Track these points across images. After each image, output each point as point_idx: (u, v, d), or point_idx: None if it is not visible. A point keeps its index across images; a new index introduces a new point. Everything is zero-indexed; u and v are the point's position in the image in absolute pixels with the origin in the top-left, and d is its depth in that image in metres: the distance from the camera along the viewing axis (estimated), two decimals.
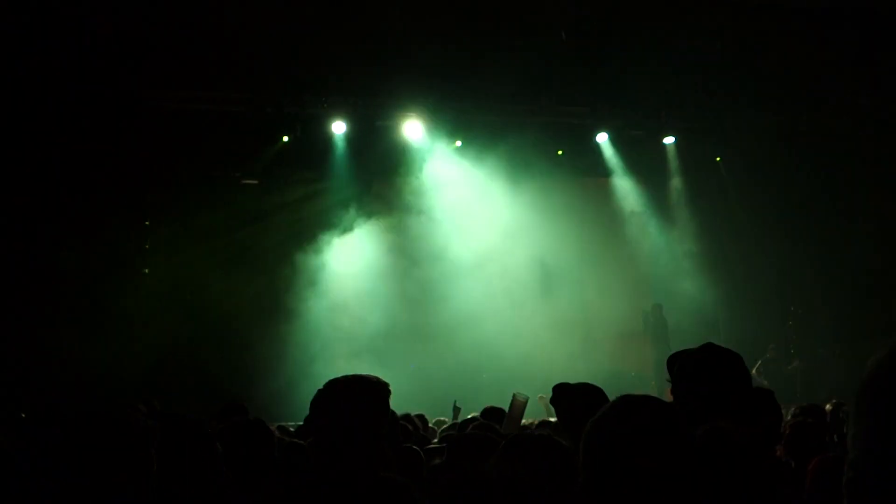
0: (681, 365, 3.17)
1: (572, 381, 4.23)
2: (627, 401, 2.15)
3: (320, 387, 3.11)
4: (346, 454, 2.91)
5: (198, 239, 15.73)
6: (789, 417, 5.43)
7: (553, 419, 13.72)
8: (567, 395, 3.99)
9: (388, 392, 3.04)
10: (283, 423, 8.33)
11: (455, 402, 9.76)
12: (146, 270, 15.32)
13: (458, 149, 16.96)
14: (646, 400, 2.15)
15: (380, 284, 17.15)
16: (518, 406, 4.54)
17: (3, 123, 13.15)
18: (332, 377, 3.19)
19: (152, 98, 14.97)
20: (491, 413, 7.42)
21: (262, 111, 15.20)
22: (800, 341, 17.09)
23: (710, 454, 2.36)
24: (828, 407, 7.21)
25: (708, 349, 3.19)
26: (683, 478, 2.02)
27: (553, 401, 4.06)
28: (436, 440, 6.46)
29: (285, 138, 16.01)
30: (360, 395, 2.99)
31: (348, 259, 16.82)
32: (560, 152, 17.55)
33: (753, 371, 16.22)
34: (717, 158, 17.59)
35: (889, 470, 1.44)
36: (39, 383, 12.47)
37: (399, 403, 4.03)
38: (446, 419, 8.42)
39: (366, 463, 2.94)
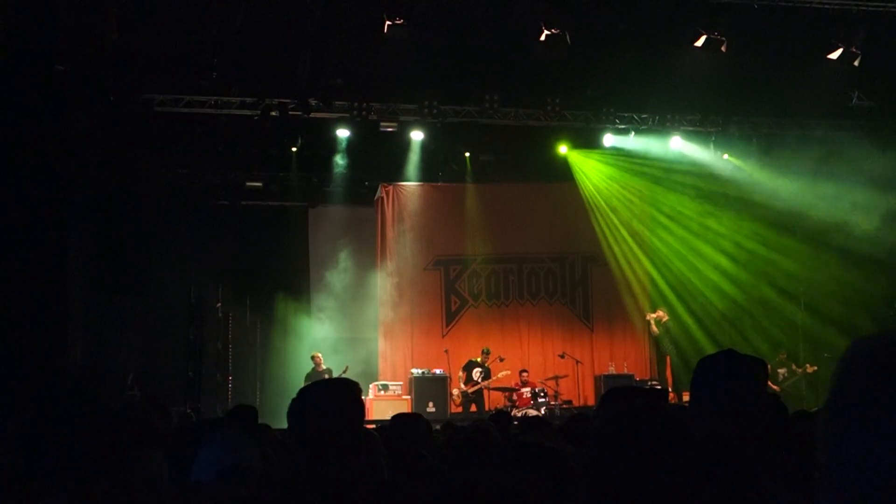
0: (699, 369, 3.17)
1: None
2: (630, 407, 2.16)
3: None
4: (332, 457, 2.90)
5: (202, 242, 15.76)
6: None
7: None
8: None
9: (360, 391, 3.05)
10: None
11: None
12: (150, 274, 15.32)
13: (462, 150, 17.00)
14: (647, 406, 2.15)
15: (384, 286, 17.18)
16: None
17: (11, 126, 13.17)
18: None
19: (157, 102, 15.01)
20: (498, 416, 7.42)
21: (266, 114, 15.23)
22: (806, 346, 17.05)
23: (711, 457, 2.36)
24: None
25: (727, 354, 3.19)
26: (687, 481, 2.01)
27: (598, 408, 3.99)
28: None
29: (294, 148, 16.06)
30: (335, 398, 2.98)
31: (349, 263, 16.85)
32: (563, 148, 17.57)
33: None
34: (725, 156, 17.53)
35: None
36: (38, 385, 12.48)
37: None
38: None
39: (360, 465, 2.93)
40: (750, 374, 3.09)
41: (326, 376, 15.56)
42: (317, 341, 16.39)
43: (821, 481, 1.26)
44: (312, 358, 15.81)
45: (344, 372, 15.90)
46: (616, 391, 3.74)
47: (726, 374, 3.08)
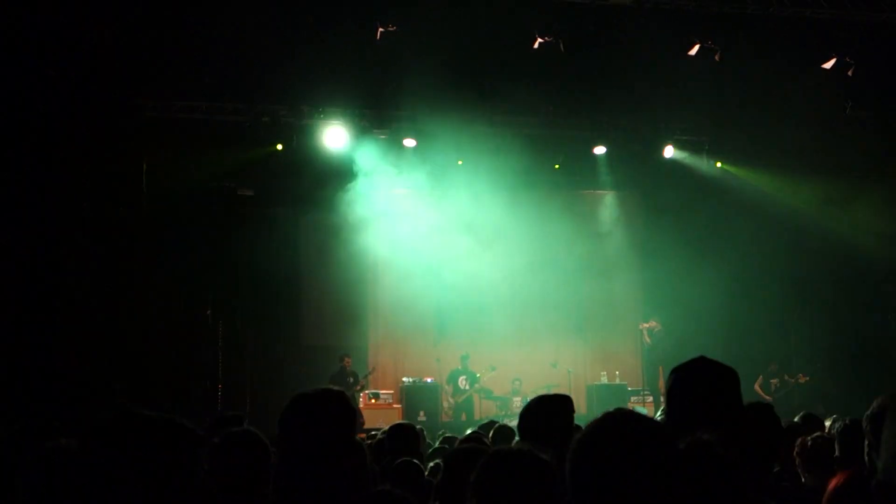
0: (672, 379, 3.12)
1: (566, 393, 4.25)
2: (615, 416, 2.12)
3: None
4: (323, 468, 2.85)
5: (193, 250, 15.67)
6: (822, 431, 5.33)
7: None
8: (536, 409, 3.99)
9: (349, 398, 3.02)
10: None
11: None
12: (141, 281, 15.24)
13: (454, 159, 16.93)
14: (632, 416, 2.13)
15: (377, 295, 17.13)
16: None
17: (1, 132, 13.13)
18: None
19: (149, 107, 14.95)
20: (490, 426, 7.34)
21: (258, 121, 15.17)
22: (799, 356, 17.02)
23: (695, 468, 2.32)
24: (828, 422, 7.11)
25: (699, 363, 3.15)
26: (672, 494, 1.99)
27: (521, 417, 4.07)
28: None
29: (279, 146, 15.97)
30: (329, 407, 2.95)
31: (344, 269, 16.76)
32: (557, 166, 17.53)
33: (756, 386, 16.16)
34: (718, 164, 17.53)
35: None
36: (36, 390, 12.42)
37: None
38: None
39: (350, 475, 2.88)
40: (724, 382, 3.05)
41: (351, 379, 15.59)
42: (308, 349, 16.31)
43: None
44: (341, 359, 15.80)
45: (370, 373, 16.00)
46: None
47: (700, 382, 3.04)
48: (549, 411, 3.98)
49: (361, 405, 15.63)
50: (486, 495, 2.51)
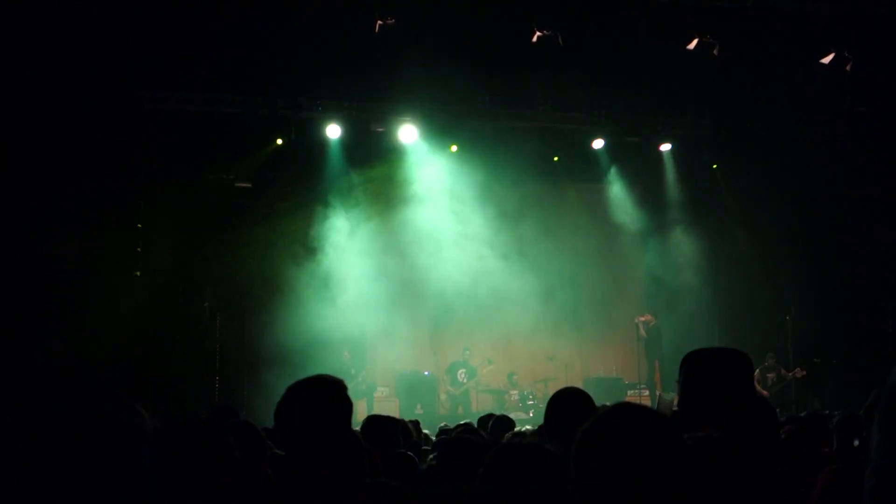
0: (688, 364, 3.10)
1: (554, 389, 4.26)
2: (619, 409, 2.13)
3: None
4: (318, 457, 2.86)
5: (191, 242, 15.67)
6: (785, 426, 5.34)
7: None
8: (558, 402, 3.97)
9: (345, 387, 3.02)
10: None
11: None
12: (138, 273, 15.22)
13: (452, 153, 16.90)
14: (637, 408, 2.14)
15: (374, 288, 17.12)
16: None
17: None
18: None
19: (147, 99, 14.92)
20: (486, 420, 7.37)
21: (256, 113, 15.15)
22: (795, 350, 17.03)
23: (703, 463, 2.32)
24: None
25: (717, 349, 3.14)
26: (676, 487, 1.99)
27: (547, 410, 4.06)
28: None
29: (279, 141, 15.96)
30: (324, 395, 2.95)
31: (341, 262, 16.76)
32: (556, 158, 17.52)
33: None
34: (714, 166, 17.54)
35: None
36: (27, 382, 12.39)
37: None
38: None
39: (345, 465, 2.89)
40: (740, 368, 3.05)
41: (353, 371, 15.65)
42: (306, 342, 16.29)
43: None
44: (343, 353, 15.87)
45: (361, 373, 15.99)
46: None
47: (717, 367, 3.03)
48: (571, 405, 3.94)
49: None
50: (494, 488, 2.52)
